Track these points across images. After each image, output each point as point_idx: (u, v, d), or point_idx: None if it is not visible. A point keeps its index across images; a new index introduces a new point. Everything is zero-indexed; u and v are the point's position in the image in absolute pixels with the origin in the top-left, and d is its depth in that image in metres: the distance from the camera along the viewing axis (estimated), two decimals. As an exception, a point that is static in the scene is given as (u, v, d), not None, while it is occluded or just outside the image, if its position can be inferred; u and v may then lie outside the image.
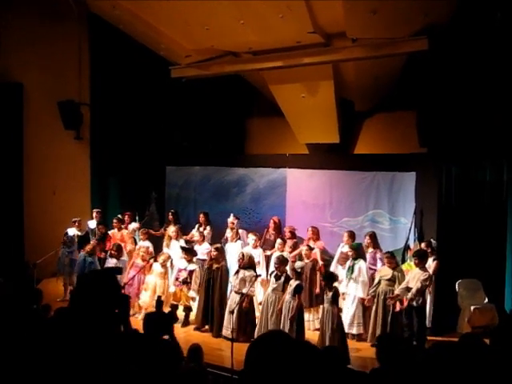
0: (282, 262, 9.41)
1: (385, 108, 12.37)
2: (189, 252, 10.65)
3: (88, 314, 3.73)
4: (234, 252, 10.87)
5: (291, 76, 10.99)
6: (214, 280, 10.03)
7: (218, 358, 8.65)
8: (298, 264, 9.58)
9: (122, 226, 12.59)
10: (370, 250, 10.19)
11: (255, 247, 10.87)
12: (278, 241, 10.91)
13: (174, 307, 10.32)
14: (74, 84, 13.98)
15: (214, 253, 10.16)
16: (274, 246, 11.20)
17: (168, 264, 10.99)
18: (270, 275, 9.59)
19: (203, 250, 11.11)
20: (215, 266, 10.10)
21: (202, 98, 13.71)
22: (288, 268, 9.60)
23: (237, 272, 9.71)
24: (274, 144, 13.91)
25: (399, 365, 4.45)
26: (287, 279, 9.24)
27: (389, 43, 9.37)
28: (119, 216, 12.74)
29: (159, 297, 10.11)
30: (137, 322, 10.13)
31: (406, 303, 8.81)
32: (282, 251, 10.62)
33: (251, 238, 10.98)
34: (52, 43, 13.72)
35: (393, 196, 11.69)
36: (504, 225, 9.74)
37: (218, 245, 10.68)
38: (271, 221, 12.04)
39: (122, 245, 11.70)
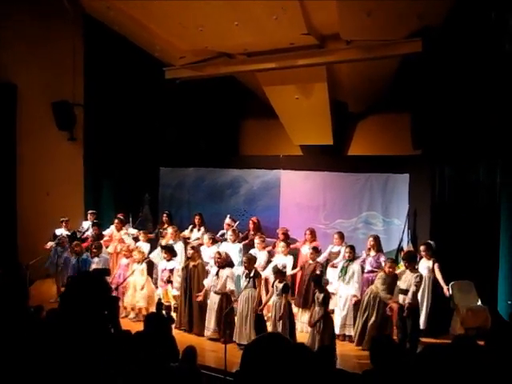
0: (250, 259, 9.56)
1: (378, 110, 12.39)
2: (168, 250, 10.66)
3: (78, 316, 3.72)
4: (232, 254, 10.78)
5: (285, 77, 11.00)
6: (191, 278, 10.15)
7: (204, 359, 8.63)
8: (282, 264, 9.69)
9: (123, 228, 12.54)
10: (373, 253, 10.05)
11: (262, 249, 10.84)
12: (281, 244, 10.79)
13: (168, 308, 10.33)
14: (67, 85, 13.93)
15: (190, 251, 10.31)
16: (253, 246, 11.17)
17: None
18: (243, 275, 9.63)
19: (210, 253, 11.02)
20: (192, 264, 10.20)
21: (196, 99, 13.70)
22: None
23: (217, 273, 9.75)
24: (267, 145, 13.91)
25: (392, 367, 4.45)
26: (256, 275, 9.38)
27: (383, 45, 9.38)
28: (120, 217, 12.70)
29: (159, 299, 10.19)
30: (128, 322, 10.21)
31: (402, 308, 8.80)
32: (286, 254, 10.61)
33: (256, 241, 10.96)
34: (46, 44, 13.68)
35: (386, 197, 11.71)
36: (497, 226, 9.74)
37: (194, 243, 10.88)
38: (250, 221, 12.13)
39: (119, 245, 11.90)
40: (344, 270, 9.83)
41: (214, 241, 11.34)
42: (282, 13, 8.90)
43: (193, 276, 10.14)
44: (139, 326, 7.18)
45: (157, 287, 10.94)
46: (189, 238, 12.16)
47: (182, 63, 11.74)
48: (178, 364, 5.95)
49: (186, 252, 11.05)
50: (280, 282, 9.09)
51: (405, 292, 8.76)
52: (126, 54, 12.89)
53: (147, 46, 12.06)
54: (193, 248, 10.42)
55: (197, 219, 12.47)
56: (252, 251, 10.76)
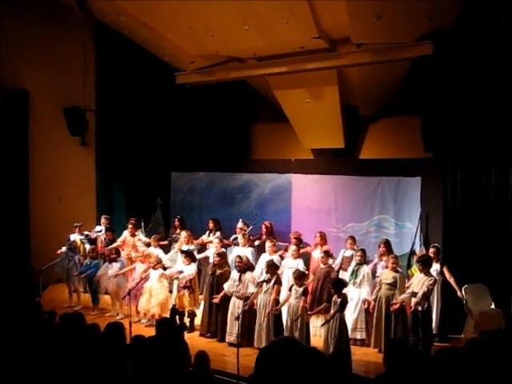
0: (271, 266, 9.54)
1: (389, 113, 12.34)
2: (188, 256, 10.61)
3: None
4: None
5: (296, 81, 10.98)
6: (217, 285, 10.11)
7: (223, 364, 8.65)
8: (303, 267, 9.64)
9: (136, 233, 12.54)
10: (385, 258, 9.99)
11: (273, 253, 10.74)
12: (293, 247, 10.76)
13: (181, 314, 10.30)
14: (79, 90, 14.03)
15: (217, 258, 10.27)
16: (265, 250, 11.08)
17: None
18: (263, 281, 9.57)
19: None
20: (218, 271, 10.20)
21: (207, 103, 13.70)
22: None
23: (239, 278, 9.71)
24: (278, 149, 13.89)
25: (406, 371, 4.43)
26: (277, 281, 9.37)
27: (393, 48, 9.35)
28: (134, 221, 12.71)
29: (174, 305, 10.16)
30: (140, 327, 10.23)
31: (411, 309, 8.77)
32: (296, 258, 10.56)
33: (267, 245, 10.90)
34: (57, 50, 13.79)
35: (398, 201, 11.65)
36: (510, 229, 9.71)
37: (221, 250, 10.71)
38: (263, 225, 12.13)
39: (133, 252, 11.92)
40: (355, 274, 9.82)
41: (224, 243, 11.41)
42: (292, 17, 8.89)
43: (220, 283, 10.09)
44: (151, 331, 7.19)
45: (170, 292, 10.95)
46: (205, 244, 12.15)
47: (192, 68, 11.75)
48: (191, 369, 5.96)
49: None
50: (299, 286, 9.07)
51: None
52: (137, 59, 12.92)
53: (158, 51, 12.09)
54: (219, 255, 10.34)
55: (211, 224, 12.46)
56: (263, 255, 10.74)
